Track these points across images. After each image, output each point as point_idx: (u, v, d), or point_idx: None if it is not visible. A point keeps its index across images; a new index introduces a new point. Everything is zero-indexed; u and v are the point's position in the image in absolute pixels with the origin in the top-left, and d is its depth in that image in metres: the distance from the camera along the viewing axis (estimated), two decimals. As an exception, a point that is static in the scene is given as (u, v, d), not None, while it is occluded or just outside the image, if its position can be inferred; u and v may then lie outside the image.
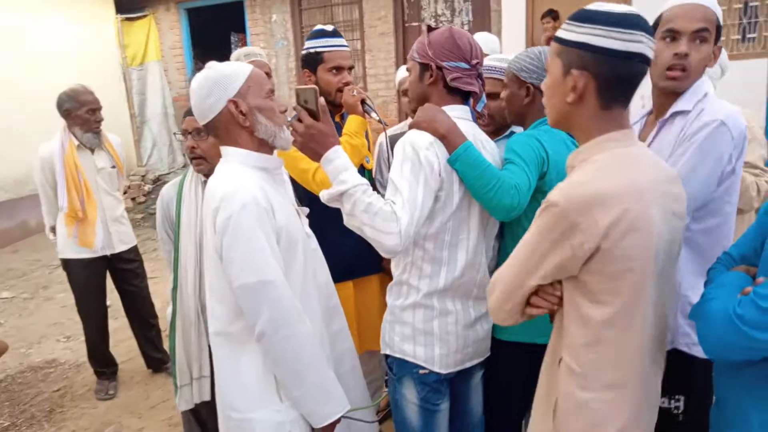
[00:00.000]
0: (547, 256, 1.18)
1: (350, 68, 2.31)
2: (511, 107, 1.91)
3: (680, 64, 1.57)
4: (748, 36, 6.46)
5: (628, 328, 1.18)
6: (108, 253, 3.42)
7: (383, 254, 1.55)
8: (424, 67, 1.68)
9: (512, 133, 2.15)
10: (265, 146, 1.61)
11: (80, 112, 3.22)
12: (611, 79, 1.17)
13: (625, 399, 1.22)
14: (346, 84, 2.25)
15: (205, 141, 2.08)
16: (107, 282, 3.55)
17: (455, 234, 1.65)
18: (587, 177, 1.16)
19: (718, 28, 1.58)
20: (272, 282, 1.45)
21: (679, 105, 1.62)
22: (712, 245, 1.60)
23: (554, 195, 1.16)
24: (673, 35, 1.58)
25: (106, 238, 3.40)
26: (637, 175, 1.16)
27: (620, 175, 1.15)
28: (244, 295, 1.46)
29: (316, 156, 1.58)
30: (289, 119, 1.64)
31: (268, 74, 2.76)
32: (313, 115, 1.56)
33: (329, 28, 2.32)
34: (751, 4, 6.41)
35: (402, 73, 2.83)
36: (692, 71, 1.58)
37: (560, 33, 1.23)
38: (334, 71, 2.25)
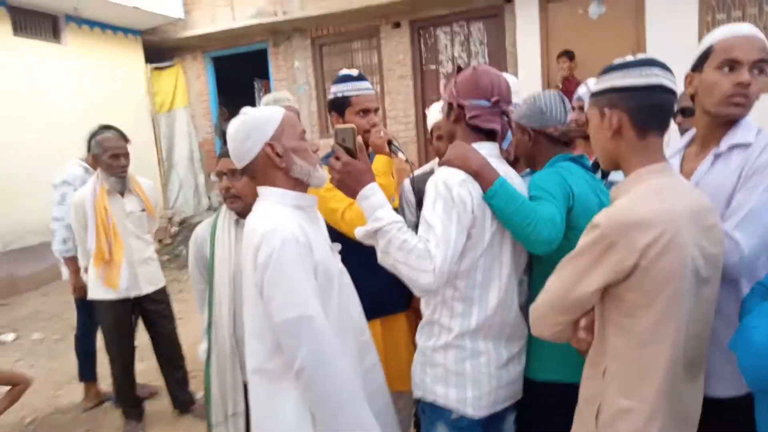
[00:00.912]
0: (589, 271, 1.30)
1: (376, 110, 2.36)
2: (520, 152, 1.97)
3: (743, 93, 1.55)
4: None
5: (662, 341, 1.28)
6: (133, 294, 3.49)
7: (417, 293, 1.55)
8: (450, 106, 1.74)
9: (530, 171, 2.18)
10: (300, 185, 1.66)
11: (104, 158, 3.35)
12: (639, 109, 1.35)
13: (660, 409, 1.29)
14: (374, 125, 2.30)
15: (240, 181, 2.15)
16: (138, 323, 3.62)
17: (487, 272, 1.64)
18: (628, 203, 1.30)
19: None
20: (312, 317, 1.47)
21: (737, 137, 1.58)
22: None
23: (599, 217, 1.30)
24: (732, 65, 1.56)
25: (132, 279, 3.48)
26: (673, 203, 1.29)
27: (658, 202, 1.28)
28: (284, 331, 1.47)
29: (352, 192, 1.61)
30: (321, 159, 1.68)
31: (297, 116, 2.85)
32: (351, 153, 1.61)
33: (354, 72, 2.38)
34: (766, 39, 6.44)
35: (432, 115, 2.87)
36: (751, 101, 1.58)
37: (592, 88, 1.45)
38: (361, 114, 2.31)
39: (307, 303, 1.48)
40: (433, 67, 8.30)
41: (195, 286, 2.45)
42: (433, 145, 2.77)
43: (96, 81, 8.18)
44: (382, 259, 1.57)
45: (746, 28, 1.58)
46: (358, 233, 1.61)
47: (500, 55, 7.77)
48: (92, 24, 8.19)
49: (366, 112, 2.33)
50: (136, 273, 3.49)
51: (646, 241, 1.23)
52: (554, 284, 1.39)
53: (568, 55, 6.63)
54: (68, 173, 3.93)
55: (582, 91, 2.66)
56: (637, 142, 1.36)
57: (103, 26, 8.38)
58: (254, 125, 1.61)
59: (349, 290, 1.76)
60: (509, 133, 1.76)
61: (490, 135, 1.74)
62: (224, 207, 2.31)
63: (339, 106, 2.34)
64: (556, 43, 7.10)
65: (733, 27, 1.59)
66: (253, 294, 1.54)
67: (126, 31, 8.78)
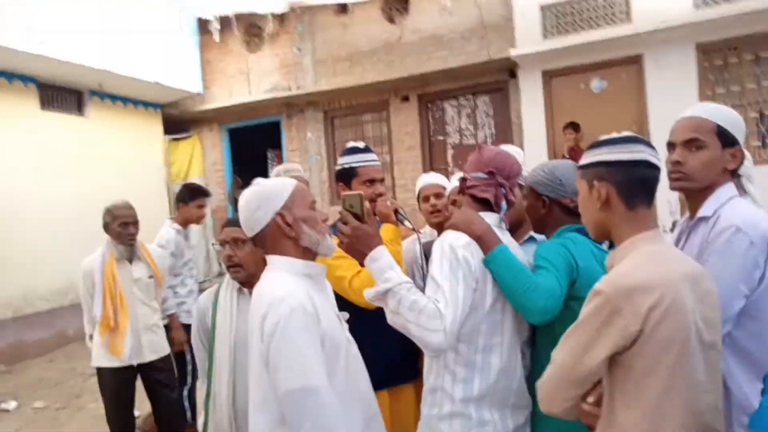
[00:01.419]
0: (596, 339, 1.29)
1: (382, 180, 2.43)
2: (531, 217, 2.02)
3: (675, 170, 1.73)
4: (768, 142, 6.58)
5: (671, 412, 1.26)
6: (135, 362, 3.48)
7: (428, 353, 1.57)
8: (462, 179, 1.87)
9: (531, 237, 2.21)
10: (308, 254, 1.67)
11: (114, 226, 3.45)
12: (627, 182, 1.41)
13: None
14: (380, 195, 2.36)
15: (243, 250, 2.18)
16: (140, 392, 3.58)
17: (489, 337, 1.65)
18: (627, 269, 1.33)
19: (722, 134, 1.68)
20: (318, 388, 1.44)
21: (701, 211, 1.70)
22: (762, 351, 1.59)
23: (600, 284, 1.31)
24: (671, 147, 1.76)
25: (136, 347, 3.47)
26: (669, 268, 1.32)
27: (655, 267, 1.32)
28: (288, 402, 1.45)
29: (361, 256, 1.65)
30: (330, 226, 1.73)
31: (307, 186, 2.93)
32: (359, 218, 1.67)
33: (361, 145, 2.48)
34: (766, 113, 6.59)
35: (424, 181, 3.08)
36: (693, 174, 1.70)
37: (580, 162, 1.51)
38: (367, 183, 2.37)
39: (312, 374, 1.45)
40: (440, 138, 8.53)
41: (197, 356, 2.43)
42: (420, 210, 2.95)
43: (115, 151, 8.47)
44: (392, 319, 1.59)
45: (689, 111, 1.75)
46: (368, 294, 1.63)
47: (506, 127, 7.98)
48: (114, 98, 8.59)
49: (372, 182, 2.39)
50: (140, 340, 3.49)
51: (649, 305, 1.24)
52: (560, 356, 1.37)
53: (574, 126, 6.80)
54: (161, 237, 4.05)
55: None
56: (626, 213, 1.42)
57: (125, 100, 8.77)
58: (266, 195, 1.65)
59: (357, 361, 1.73)
60: (503, 202, 1.82)
61: (491, 206, 1.82)
62: (227, 276, 2.32)
63: (346, 176, 2.41)
64: (560, 115, 7.30)
65: (686, 111, 1.77)
66: (259, 364, 1.52)
67: (147, 104, 9.17)
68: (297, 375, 1.45)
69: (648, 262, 1.33)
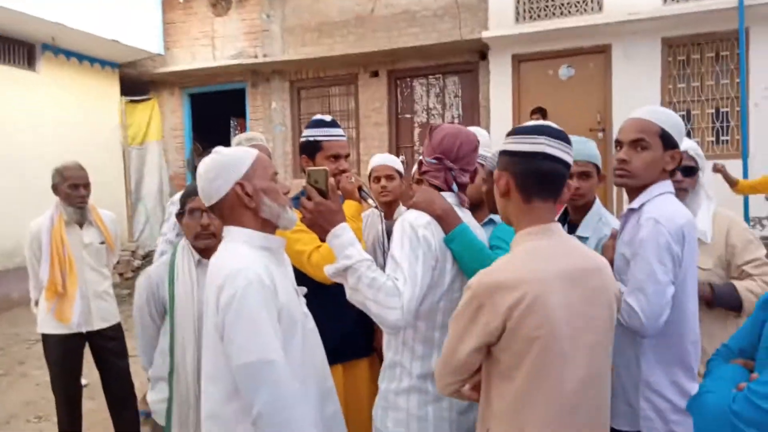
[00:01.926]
0: (466, 331, 1.36)
1: (346, 156, 2.40)
2: (489, 199, 2.02)
3: (620, 168, 1.83)
4: (722, 138, 6.82)
5: (535, 404, 1.31)
6: (85, 329, 3.36)
7: (385, 330, 1.58)
8: (420, 163, 1.86)
9: (491, 219, 2.23)
10: (268, 226, 1.65)
11: (63, 187, 3.28)
12: (523, 174, 1.42)
13: None
14: (343, 171, 2.34)
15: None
16: (88, 360, 3.47)
17: (447, 315, 1.66)
18: (497, 266, 1.38)
19: (664, 137, 1.78)
20: (273, 362, 1.43)
21: (631, 203, 1.84)
22: (675, 338, 1.71)
23: (473, 278, 1.37)
24: (618, 144, 1.86)
25: (85, 314, 3.35)
26: (541, 265, 1.34)
27: (524, 265, 1.35)
28: (243, 375, 1.43)
29: (323, 232, 1.64)
30: (291, 198, 1.70)
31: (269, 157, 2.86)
32: (323, 194, 1.64)
33: (327, 118, 2.43)
34: (722, 110, 6.82)
35: (376, 161, 3.10)
36: (636, 173, 1.81)
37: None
38: (332, 159, 2.34)
39: (268, 347, 1.44)
40: (408, 116, 8.48)
41: (142, 334, 2.32)
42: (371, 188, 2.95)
43: (68, 110, 8.10)
44: (351, 296, 1.59)
45: (637, 112, 1.85)
46: (328, 270, 1.62)
47: (474, 109, 8.00)
48: (69, 54, 8.17)
49: (336, 157, 2.36)
50: (89, 307, 3.36)
51: (509, 303, 1.28)
52: (444, 345, 1.46)
53: (541, 112, 6.87)
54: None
55: None
56: (523, 205, 1.43)
57: (80, 57, 8.36)
58: (225, 164, 1.61)
59: (314, 336, 1.73)
60: (454, 186, 1.82)
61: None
62: (181, 246, 2.25)
63: (310, 150, 2.37)
64: (528, 99, 7.37)
65: (633, 111, 1.87)
66: (213, 336, 1.50)
67: (103, 63, 8.77)
68: (252, 348, 1.43)
69: (519, 260, 1.37)
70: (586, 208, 2.21)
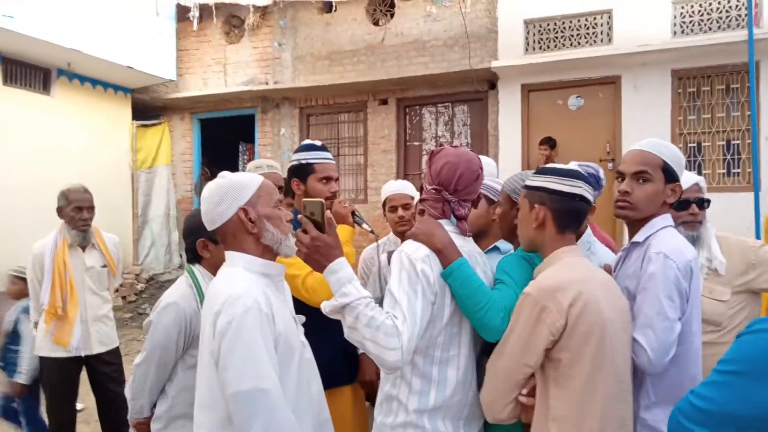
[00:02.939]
0: (531, 338, 1.50)
1: (337, 179, 2.42)
2: (503, 224, 2.03)
3: (622, 199, 1.84)
4: (733, 171, 6.75)
5: (595, 395, 1.48)
6: (83, 353, 3.32)
7: (384, 370, 1.54)
8: (422, 189, 1.83)
9: (496, 247, 2.19)
10: (268, 253, 1.64)
11: (67, 210, 3.29)
12: (562, 211, 1.65)
13: None
14: (335, 194, 2.36)
15: None
16: (84, 384, 3.41)
17: (445, 350, 1.64)
18: (548, 274, 1.58)
19: (666, 170, 1.78)
20: (268, 390, 1.42)
21: (635, 237, 1.83)
22: (677, 376, 1.67)
23: (527, 288, 1.54)
24: (620, 176, 1.87)
25: (84, 338, 3.32)
26: (584, 273, 1.58)
27: (572, 271, 1.57)
28: (237, 403, 1.40)
29: (320, 267, 1.60)
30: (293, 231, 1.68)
31: (280, 188, 2.79)
32: (319, 226, 1.60)
33: (318, 143, 2.46)
34: (733, 142, 6.77)
35: (391, 189, 3.02)
36: (638, 205, 1.81)
37: (527, 181, 1.72)
38: (324, 181, 2.36)
39: (264, 375, 1.42)
40: (416, 143, 8.49)
41: (156, 372, 2.07)
42: (386, 218, 2.96)
43: (80, 133, 8.18)
44: (348, 334, 1.56)
45: (639, 144, 1.86)
46: (325, 308, 1.59)
47: (483, 138, 8.00)
48: (83, 79, 8.29)
49: (328, 179, 2.38)
50: (89, 331, 3.34)
51: (569, 301, 1.48)
52: (500, 364, 1.56)
53: (550, 143, 6.84)
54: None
55: None
56: (556, 235, 1.66)
57: (94, 82, 8.48)
58: (229, 189, 1.61)
59: (310, 365, 1.70)
60: (452, 218, 1.78)
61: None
62: (198, 271, 2.17)
63: (302, 172, 2.38)
64: (537, 129, 7.35)
65: (636, 143, 1.89)
66: (208, 362, 1.48)
67: (117, 88, 8.89)
68: (248, 376, 1.41)
69: (566, 268, 1.58)
70: (577, 237, 2.20)
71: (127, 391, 2.17)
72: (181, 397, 2.09)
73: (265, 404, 1.40)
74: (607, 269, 1.85)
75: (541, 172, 1.69)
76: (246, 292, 1.48)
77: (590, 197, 1.65)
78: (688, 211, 2.38)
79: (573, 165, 2.57)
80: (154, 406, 2.14)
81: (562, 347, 1.48)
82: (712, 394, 1.10)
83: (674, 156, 1.81)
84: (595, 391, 1.47)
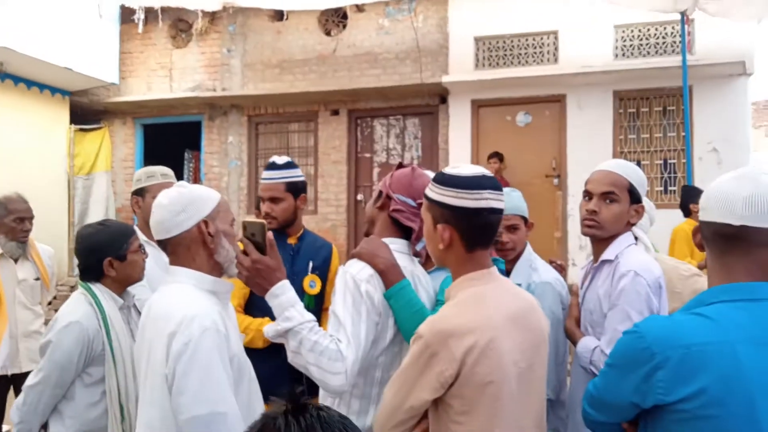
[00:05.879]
0: (418, 382, 1.34)
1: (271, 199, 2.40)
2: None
3: (590, 218, 1.88)
4: (670, 188, 7.09)
5: None
6: (10, 372, 3.12)
7: (328, 394, 1.53)
8: (380, 193, 1.77)
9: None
10: (217, 270, 1.61)
11: (7, 220, 3.10)
12: (469, 229, 1.42)
13: None
14: (267, 214, 2.38)
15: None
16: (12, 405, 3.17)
17: (386, 371, 1.63)
18: (446, 313, 1.39)
19: (632, 191, 1.85)
20: (225, 414, 1.38)
21: (605, 255, 1.87)
22: None
23: (423, 326, 1.37)
24: (588, 195, 1.91)
25: (12, 355, 3.12)
26: (489, 311, 1.37)
27: (474, 310, 1.37)
28: (192, 428, 1.36)
29: (261, 290, 1.55)
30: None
31: None
32: (260, 248, 1.55)
33: (276, 159, 2.45)
34: (670, 161, 7.13)
35: None
36: (605, 224, 1.86)
37: (427, 191, 1.48)
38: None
39: (220, 399, 1.38)
40: (367, 155, 8.48)
41: (51, 393, 1.97)
42: None
43: (12, 138, 7.71)
44: (292, 359, 1.53)
45: (607, 165, 1.92)
46: (267, 332, 1.55)
47: (433, 151, 8.08)
48: (17, 80, 7.84)
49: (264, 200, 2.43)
50: (17, 348, 3.12)
51: (464, 349, 1.30)
52: (389, 395, 1.42)
53: (498, 156, 6.99)
54: None
55: None
56: (465, 255, 1.44)
57: (29, 83, 8.04)
58: (193, 200, 1.57)
59: (254, 383, 1.66)
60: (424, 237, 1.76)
61: (406, 232, 1.77)
62: (98, 289, 2.07)
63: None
64: (486, 144, 7.50)
65: (602, 164, 1.94)
66: (158, 386, 1.42)
67: (54, 90, 8.45)
68: (204, 400, 1.36)
69: (467, 306, 1.38)
70: (517, 256, 2.24)
71: (14, 415, 2.03)
72: (83, 416, 2.01)
73: (221, 429, 1.36)
74: (575, 291, 1.88)
75: (440, 180, 1.46)
76: (202, 312, 1.43)
77: (500, 205, 1.44)
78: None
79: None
80: (43, 427, 2.03)
81: (454, 394, 1.34)
82: (598, 382, 1.30)
83: (639, 178, 1.88)
84: None
